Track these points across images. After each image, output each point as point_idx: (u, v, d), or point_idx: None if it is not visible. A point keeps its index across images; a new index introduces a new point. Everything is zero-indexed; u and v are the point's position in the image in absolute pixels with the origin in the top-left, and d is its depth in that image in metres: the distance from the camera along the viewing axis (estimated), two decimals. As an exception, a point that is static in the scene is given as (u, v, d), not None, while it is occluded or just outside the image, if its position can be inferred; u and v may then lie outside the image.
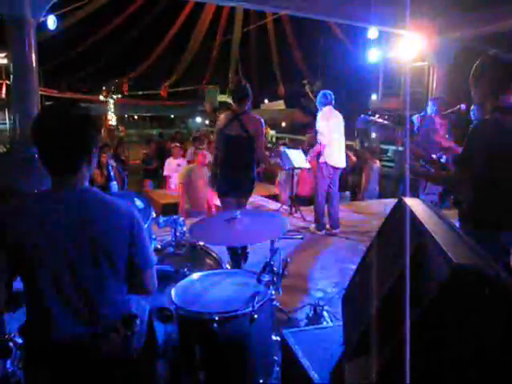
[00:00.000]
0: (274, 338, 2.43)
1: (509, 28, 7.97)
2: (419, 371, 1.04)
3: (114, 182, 3.47)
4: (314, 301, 3.65)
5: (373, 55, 11.82)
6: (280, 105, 23.75)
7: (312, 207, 6.60)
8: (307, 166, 7.27)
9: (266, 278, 2.39)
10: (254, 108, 24.69)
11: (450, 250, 1.00)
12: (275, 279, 2.44)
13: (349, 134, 6.42)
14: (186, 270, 2.76)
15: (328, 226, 6.24)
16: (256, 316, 2.15)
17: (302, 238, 5.87)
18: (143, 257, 1.75)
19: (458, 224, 2.55)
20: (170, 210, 7.08)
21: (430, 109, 6.37)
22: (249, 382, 2.25)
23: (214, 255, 3.14)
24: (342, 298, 1.69)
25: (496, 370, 1.04)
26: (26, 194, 2.46)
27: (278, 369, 2.37)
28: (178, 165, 9.04)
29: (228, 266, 3.09)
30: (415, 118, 6.41)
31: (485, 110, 2.51)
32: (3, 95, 18.36)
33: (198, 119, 31.79)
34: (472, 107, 5.57)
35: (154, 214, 3.07)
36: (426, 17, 8.30)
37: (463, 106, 5.43)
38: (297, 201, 7.45)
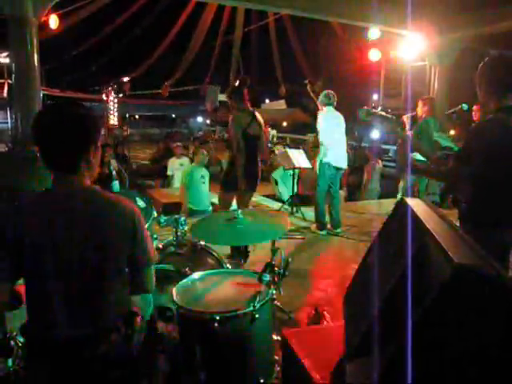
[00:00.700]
0: (274, 337, 2.43)
1: (510, 28, 7.96)
2: (420, 371, 1.04)
3: (116, 182, 3.48)
4: (314, 301, 3.65)
5: (374, 55, 11.81)
6: (281, 104, 23.75)
7: (313, 207, 6.60)
8: (308, 165, 7.28)
9: (267, 277, 2.39)
10: (254, 108, 24.76)
11: (451, 250, 1.00)
12: (276, 279, 2.44)
13: (350, 134, 6.42)
14: (187, 269, 2.77)
15: (329, 226, 6.24)
16: (257, 316, 2.15)
17: (303, 238, 5.94)
18: (145, 255, 1.76)
19: (458, 224, 2.55)
20: (171, 209, 7.09)
21: (419, 109, 6.38)
22: (249, 381, 2.25)
23: (215, 255, 3.14)
24: (343, 298, 1.69)
25: (497, 370, 1.04)
26: (27, 193, 2.46)
27: (278, 368, 2.37)
28: (181, 164, 9.14)
29: (229, 266, 3.09)
30: (405, 117, 6.40)
31: (488, 109, 2.52)
32: (5, 94, 18.35)
33: (200, 119, 31.80)
34: (473, 107, 5.57)
35: (155, 214, 3.08)
36: (426, 17, 8.30)
37: (464, 106, 5.43)
38: (297, 200, 7.45)
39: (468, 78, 2.60)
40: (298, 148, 8.48)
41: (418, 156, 2.94)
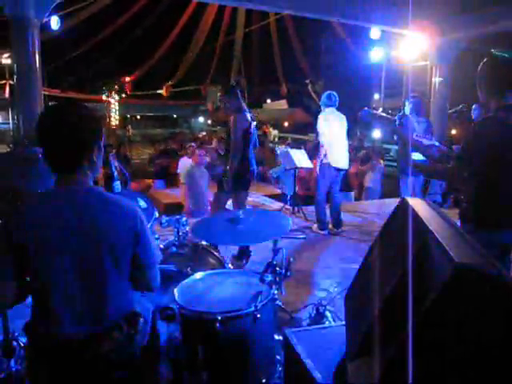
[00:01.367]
0: (276, 337, 2.43)
1: (511, 28, 7.96)
2: (421, 371, 1.04)
3: (118, 182, 3.48)
4: (316, 300, 3.65)
5: (375, 55, 11.84)
6: (282, 104, 23.77)
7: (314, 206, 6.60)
8: (310, 165, 7.28)
9: (269, 277, 2.39)
10: (256, 107, 24.78)
11: (452, 250, 1.01)
12: (278, 279, 2.44)
13: (351, 134, 6.41)
14: (188, 269, 2.77)
15: (330, 226, 6.24)
16: (259, 316, 2.15)
17: (304, 238, 5.94)
18: (147, 255, 1.76)
19: (459, 223, 2.56)
20: (172, 209, 7.11)
21: (407, 108, 6.36)
22: (251, 381, 2.25)
23: (217, 255, 3.15)
24: (344, 298, 1.69)
25: (498, 369, 1.04)
26: (30, 193, 2.47)
27: (280, 368, 2.37)
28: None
29: (231, 266, 3.10)
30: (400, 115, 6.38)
31: (489, 109, 2.52)
32: (7, 95, 18.40)
33: (201, 119, 31.82)
34: (473, 106, 5.56)
35: (156, 214, 3.08)
36: (428, 17, 8.30)
37: (465, 106, 5.43)
38: (297, 200, 7.45)
39: (469, 78, 2.60)
40: (300, 148, 8.48)
41: (417, 156, 2.94)
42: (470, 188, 2.50)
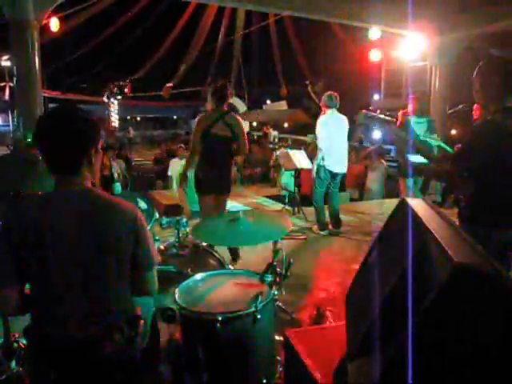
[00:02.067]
0: (277, 337, 2.43)
1: (510, 27, 7.96)
2: (421, 371, 1.05)
3: (117, 184, 3.49)
4: (316, 301, 3.66)
5: (374, 55, 11.83)
6: (282, 105, 23.75)
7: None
8: (310, 166, 7.28)
9: (269, 278, 2.40)
10: (256, 108, 24.79)
11: (452, 250, 1.01)
12: (278, 279, 2.44)
13: (352, 135, 6.41)
14: (189, 270, 2.77)
15: (330, 226, 6.24)
16: (259, 316, 2.15)
17: (304, 239, 5.94)
18: (146, 257, 1.76)
19: (457, 223, 2.56)
20: (173, 210, 7.10)
21: (410, 107, 6.32)
22: (252, 381, 2.25)
23: (217, 256, 3.15)
24: (344, 298, 1.69)
25: (496, 369, 1.04)
26: (30, 195, 2.47)
27: (280, 369, 2.37)
28: (183, 166, 9.12)
29: (231, 267, 3.10)
30: (400, 114, 6.34)
31: (487, 111, 2.52)
32: (7, 97, 18.42)
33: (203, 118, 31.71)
34: (474, 106, 5.55)
35: (157, 215, 3.08)
36: (427, 17, 8.31)
37: (464, 106, 5.43)
38: (298, 200, 7.45)
39: (468, 77, 2.60)
40: (300, 149, 8.48)
41: (415, 158, 2.94)
42: (469, 188, 2.51)
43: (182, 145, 10.27)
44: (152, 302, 2.27)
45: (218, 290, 2.44)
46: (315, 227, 6.30)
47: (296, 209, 7.31)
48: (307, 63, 20.73)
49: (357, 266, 1.59)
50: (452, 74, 9.40)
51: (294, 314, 3.57)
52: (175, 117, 37.32)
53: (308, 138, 13.12)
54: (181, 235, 3.13)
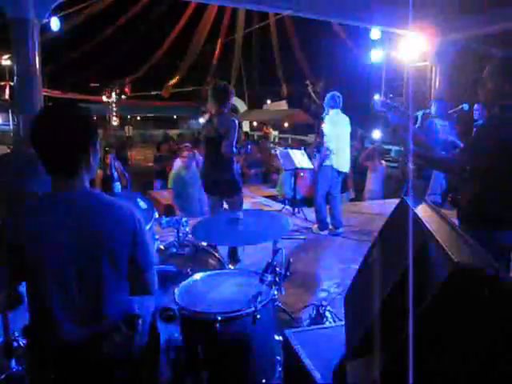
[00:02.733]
0: (276, 338, 2.43)
1: (510, 28, 7.95)
2: (421, 371, 1.04)
3: (117, 183, 3.49)
4: (316, 301, 3.65)
5: (375, 55, 11.83)
6: (282, 105, 23.75)
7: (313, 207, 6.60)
8: (310, 166, 7.27)
9: (269, 278, 2.39)
10: (256, 108, 24.77)
11: (452, 250, 1.01)
12: (278, 279, 2.44)
13: (352, 135, 6.39)
14: (188, 270, 2.77)
15: (330, 226, 6.24)
16: (259, 316, 2.15)
17: (304, 239, 5.94)
18: (145, 257, 1.75)
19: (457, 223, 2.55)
20: (172, 210, 7.10)
21: (433, 109, 6.31)
22: (251, 381, 2.25)
23: (217, 255, 3.15)
24: (344, 298, 1.69)
25: (496, 369, 1.04)
26: (29, 195, 2.47)
27: (280, 369, 2.37)
28: None
29: (231, 267, 3.10)
30: (420, 114, 6.32)
31: (493, 110, 2.52)
32: (7, 96, 18.42)
33: (201, 120, 31.77)
34: (475, 106, 5.55)
35: (156, 215, 3.08)
36: (427, 17, 8.30)
37: (465, 107, 5.42)
38: (299, 200, 7.45)
39: (469, 78, 2.60)
40: (300, 148, 8.47)
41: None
42: (470, 187, 2.50)
43: (189, 144, 10.27)
44: (152, 302, 2.27)
45: (217, 289, 2.44)
46: (315, 227, 6.30)
47: (296, 209, 7.30)
48: (307, 63, 20.72)
49: (356, 266, 1.60)
50: (453, 74, 9.39)
51: (293, 313, 3.57)
52: (175, 116, 37.29)
53: (310, 139, 13.12)
54: (180, 235, 3.13)
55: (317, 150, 6.63)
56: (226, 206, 4.74)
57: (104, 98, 23.78)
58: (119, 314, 1.72)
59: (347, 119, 6.02)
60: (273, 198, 9.14)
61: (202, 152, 4.61)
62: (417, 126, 5.13)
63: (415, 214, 1.28)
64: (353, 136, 6.49)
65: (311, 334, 2.01)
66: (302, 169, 7.33)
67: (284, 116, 22.66)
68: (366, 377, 1.28)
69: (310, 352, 1.80)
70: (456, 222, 2.55)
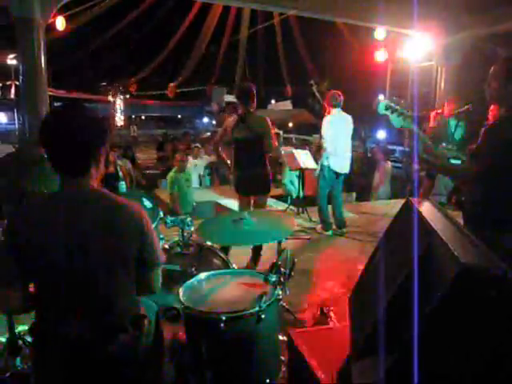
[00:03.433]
0: (280, 338, 2.43)
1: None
2: (426, 371, 1.04)
3: (122, 182, 3.49)
4: (320, 301, 3.65)
5: (380, 55, 11.78)
6: (287, 105, 23.74)
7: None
8: (314, 166, 7.26)
9: (273, 278, 2.39)
10: (260, 108, 24.74)
11: (458, 250, 1.00)
12: (282, 279, 2.44)
13: (355, 134, 6.38)
14: (193, 269, 2.77)
15: (335, 227, 6.23)
16: (263, 316, 2.15)
17: (309, 239, 5.94)
18: (152, 256, 1.76)
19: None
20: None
21: (446, 108, 6.25)
22: (255, 381, 2.25)
23: (222, 255, 3.15)
24: (348, 299, 1.69)
25: (503, 369, 1.04)
26: (35, 195, 2.47)
27: (284, 369, 2.37)
28: (196, 165, 9.24)
29: (235, 266, 3.10)
30: (433, 114, 6.26)
31: (503, 110, 2.50)
32: (12, 96, 18.50)
33: (206, 119, 31.84)
34: (491, 107, 5.51)
35: (161, 214, 3.09)
36: (433, 17, 8.27)
37: (471, 106, 5.39)
38: (303, 201, 7.44)
39: (475, 77, 2.58)
40: (305, 149, 8.46)
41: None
42: (478, 188, 2.48)
43: (198, 144, 10.34)
44: (156, 301, 2.27)
45: (222, 289, 2.44)
46: (319, 227, 6.29)
47: (300, 209, 7.30)
48: (312, 63, 20.69)
49: (361, 267, 1.59)
50: (458, 74, 9.35)
51: (297, 313, 3.57)
52: (180, 116, 37.36)
53: (314, 139, 13.09)
54: (185, 234, 3.14)
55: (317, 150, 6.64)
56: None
57: (109, 98, 23.85)
58: (126, 315, 1.73)
59: (349, 118, 6.00)
60: (277, 197, 9.13)
61: (233, 153, 4.58)
62: (430, 125, 5.06)
63: (421, 215, 1.28)
64: (355, 136, 6.47)
65: (315, 335, 2.02)
66: (306, 169, 7.32)
67: (288, 116, 22.64)
68: (371, 377, 1.27)
69: (315, 352, 1.80)
70: (461, 222, 2.53)
